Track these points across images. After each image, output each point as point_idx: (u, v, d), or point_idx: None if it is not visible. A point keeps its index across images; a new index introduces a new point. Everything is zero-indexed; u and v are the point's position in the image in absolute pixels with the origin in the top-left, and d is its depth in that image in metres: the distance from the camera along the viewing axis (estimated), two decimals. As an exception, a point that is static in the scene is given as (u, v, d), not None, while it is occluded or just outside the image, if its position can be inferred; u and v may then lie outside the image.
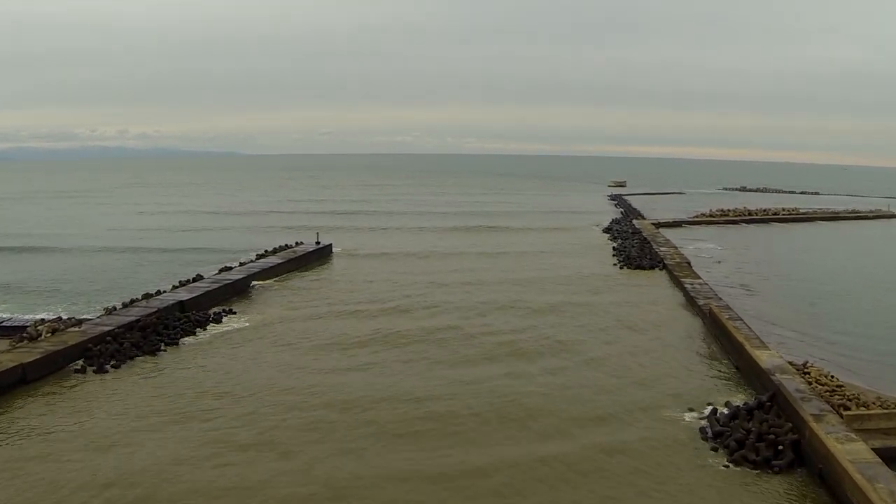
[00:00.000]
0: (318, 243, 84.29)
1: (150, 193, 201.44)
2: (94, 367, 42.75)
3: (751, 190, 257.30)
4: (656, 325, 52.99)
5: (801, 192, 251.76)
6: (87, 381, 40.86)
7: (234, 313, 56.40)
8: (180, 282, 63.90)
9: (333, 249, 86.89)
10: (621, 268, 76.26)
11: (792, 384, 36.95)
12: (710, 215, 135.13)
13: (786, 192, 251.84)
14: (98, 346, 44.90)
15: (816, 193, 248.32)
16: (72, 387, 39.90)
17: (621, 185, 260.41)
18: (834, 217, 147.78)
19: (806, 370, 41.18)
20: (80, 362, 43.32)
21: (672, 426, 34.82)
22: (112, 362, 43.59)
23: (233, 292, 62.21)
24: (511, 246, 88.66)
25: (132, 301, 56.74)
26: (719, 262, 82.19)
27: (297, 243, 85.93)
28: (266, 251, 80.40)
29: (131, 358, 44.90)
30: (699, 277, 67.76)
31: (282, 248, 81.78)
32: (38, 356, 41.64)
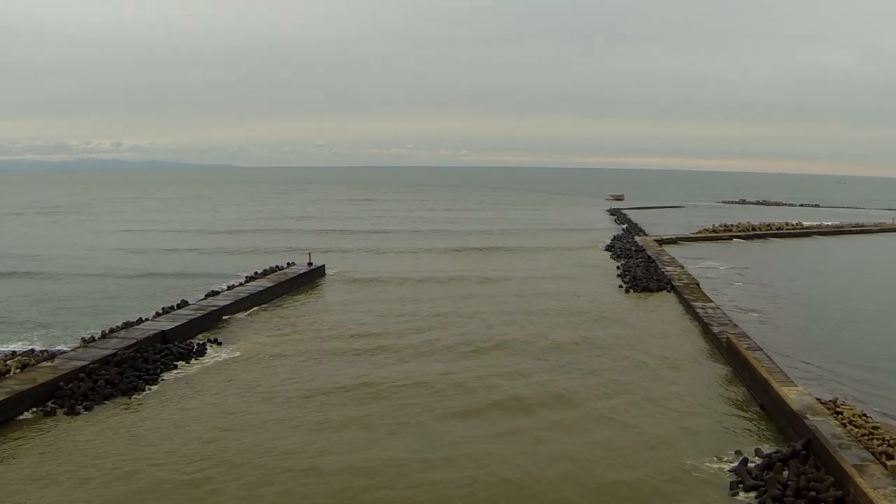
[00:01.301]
0: (310, 264, 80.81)
1: (138, 209, 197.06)
2: (65, 409, 39.23)
3: (750, 203, 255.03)
4: (670, 358, 49.24)
5: (801, 205, 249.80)
6: (56, 426, 37.15)
7: (220, 343, 52.87)
8: (163, 309, 60.37)
9: (327, 271, 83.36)
10: (627, 290, 72.82)
11: (827, 428, 33.64)
12: (714, 231, 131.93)
13: (786, 205, 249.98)
14: (70, 385, 41.30)
15: (817, 206, 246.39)
16: (38, 433, 36.21)
17: (619, 198, 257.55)
18: (838, 231, 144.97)
19: (837, 409, 37.91)
20: (50, 403, 39.88)
21: (696, 478, 31.39)
22: (84, 403, 40.11)
23: (219, 319, 58.66)
24: (512, 270, 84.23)
25: (111, 330, 53.30)
26: (728, 282, 78.77)
27: (288, 264, 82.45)
28: (256, 273, 76.87)
29: (106, 398, 41.35)
30: (710, 301, 64.46)
31: (272, 270, 78.16)
32: (4, 396, 38.13)
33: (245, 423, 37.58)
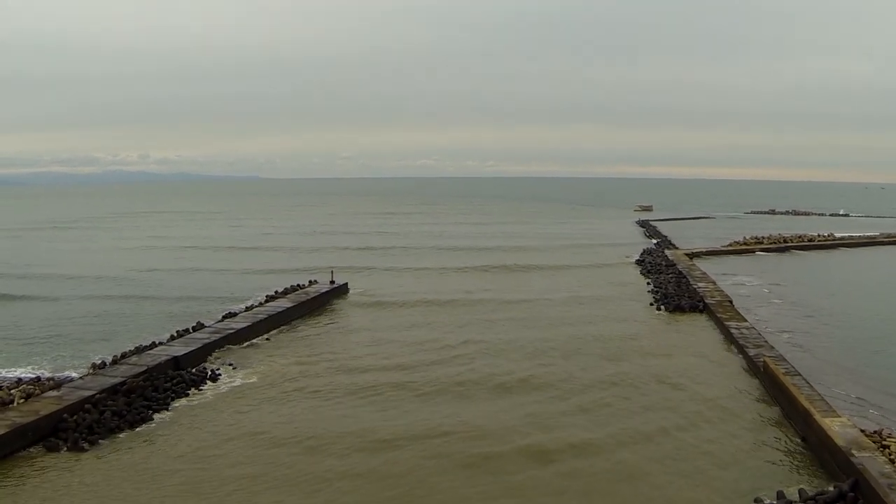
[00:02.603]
0: (332, 282, 79.04)
1: (159, 224, 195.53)
2: (68, 444, 37.49)
3: (780, 213, 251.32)
4: (705, 385, 46.64)
5: (831, 214, 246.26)
6: (58, 463, 35.41)
7: (234, 368, 51.14)
8: (178, 332, 58.73)
9: (350, 290, 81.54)
10: (658, 308, 70.45)
11: (875, 466, 31.22)
12: (745, 243, 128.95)
13: (815, 215, 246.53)
14: (74, 417, 39.57)
15: (847, 215, 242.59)
16: (39, 471, 34.46)
17: (648, 209, 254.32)
18: (870, 242, 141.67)
19: (884, 442, 35.51)
20: (53, 438, 38.11)
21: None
22: (89, 437, 38.33)
23: (235, 343, 56.84)
24: (541, 290, 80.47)
25: (123, 355, 51.75)
26: (762, 299, 76.14)
27: (310, 282, 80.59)
28: (276, 292, 74.93)
29: (112, 430, 39.59)
30: (745, 320, 61.93)
31: (293, 289, 76.14)
32: (4, 430, 36.44)
33: (247, 462, 35.68)
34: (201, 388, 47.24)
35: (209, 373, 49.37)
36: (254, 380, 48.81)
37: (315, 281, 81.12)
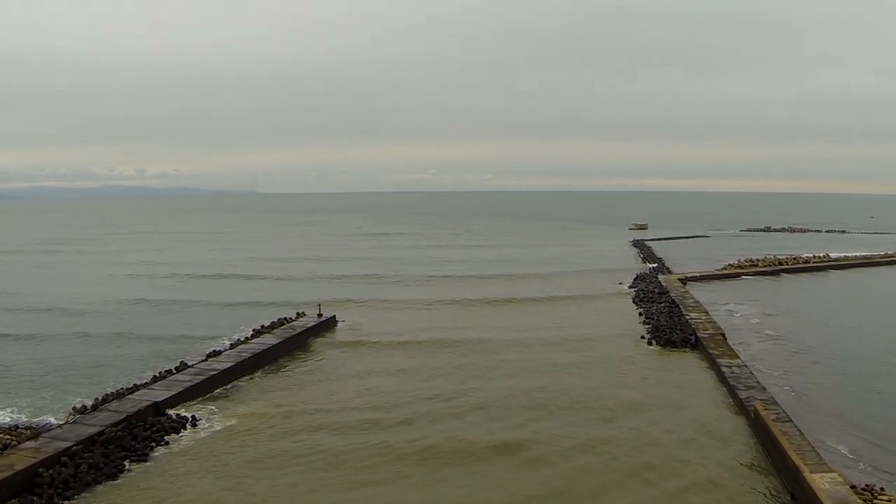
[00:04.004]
0: (320, 315, 78.08)
1: (153, 247, 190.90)
2: (43, 501, 36.56)
3: (776, 230, 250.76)
4: (695, 440, 44.90)
5: (827, 231, 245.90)
6: (30, 524, 34.62)
7: (216, 411, 50.32)
8: (160, 373, 57.90)
9: (338, 323, 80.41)
10: (650, 343, 69.55)
11: (865, 529, 30.51)
12: (739, 266, 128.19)
13: (811, 231, 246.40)
14: (50, 471, 38.71)
15: (843, 232, 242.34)
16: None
17: (643, 227, 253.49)
18: (866, 263, 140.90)
19: (875, 500, 34.79)
20: (28, 494, 37.22)
21: None
22: (65, 492, 37.49)
23: (218, 385, 55.93)
24: (535, 327, 77.50)
25: (104, 399, 51.19)
26: (755, 331, 75.21)
27: (297, 314, 79.72)
28: (263, 326, 74.09)
29: (89, 484, 38.78)
30: (737, 357, 61.05)
31: (280, 323, 75.25)
32: (-25, 489, 35.62)
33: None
34: (181, 433, 46.57)
35: (189, 418, 48.54)
36: (234, 422, 48.28)
37: (303, 313, 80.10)
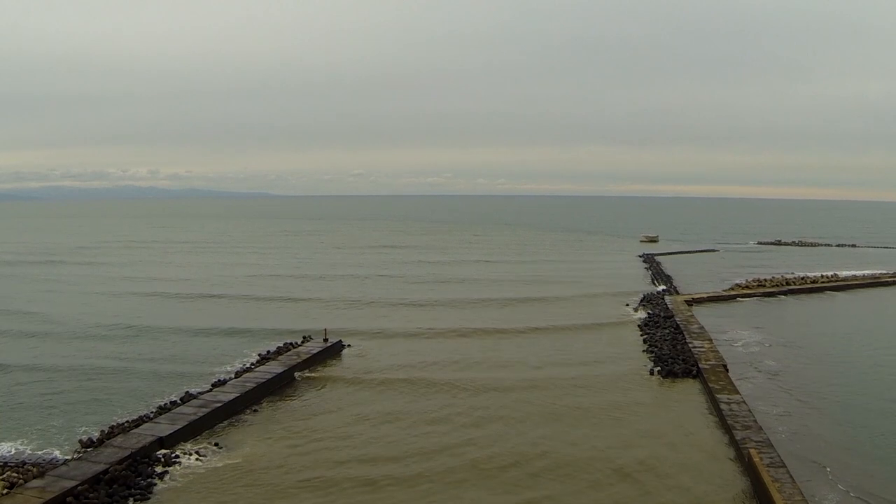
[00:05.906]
0: (325, 340, 78.76)
1: (161, 258, 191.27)
2: (48, 544, 37.64)
3: (786, 244, 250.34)
4: (690, 489, 45.20)
5: (838, 245, 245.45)
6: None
7: (220, 447, 51.12)
8: (165, 405, 58.94)
9: (344, 348, 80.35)
10: (651, 373, 70.21)
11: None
12: (746, 286, 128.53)
13: (822, 245, 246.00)
14: (55, 513, 39.74)
15: (854, 246, 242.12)
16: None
17: (653, 240, 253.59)
18: (874, 283, 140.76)
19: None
20: (32, 536, 38.25)
21: None
22: (68, 534, 38.51)
23: (223, 417, 56.77)
24: (538, 363, 75.45)
25: (110, 432, 52.28)
26: (758, 363, 75.15)
27: (304, 338, 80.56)
28: (269, 352, 74.96)
29: (92, 525, 39.78)
30: (737, 392, 61.44)
31: (286, 348, 76.15)
32: (-17, 532, 36.60)
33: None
34: (184, 468, 47.49)
35: (193, 453, 49.47)
36: (237, 461, 48.92)
37: (309, 338, 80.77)
